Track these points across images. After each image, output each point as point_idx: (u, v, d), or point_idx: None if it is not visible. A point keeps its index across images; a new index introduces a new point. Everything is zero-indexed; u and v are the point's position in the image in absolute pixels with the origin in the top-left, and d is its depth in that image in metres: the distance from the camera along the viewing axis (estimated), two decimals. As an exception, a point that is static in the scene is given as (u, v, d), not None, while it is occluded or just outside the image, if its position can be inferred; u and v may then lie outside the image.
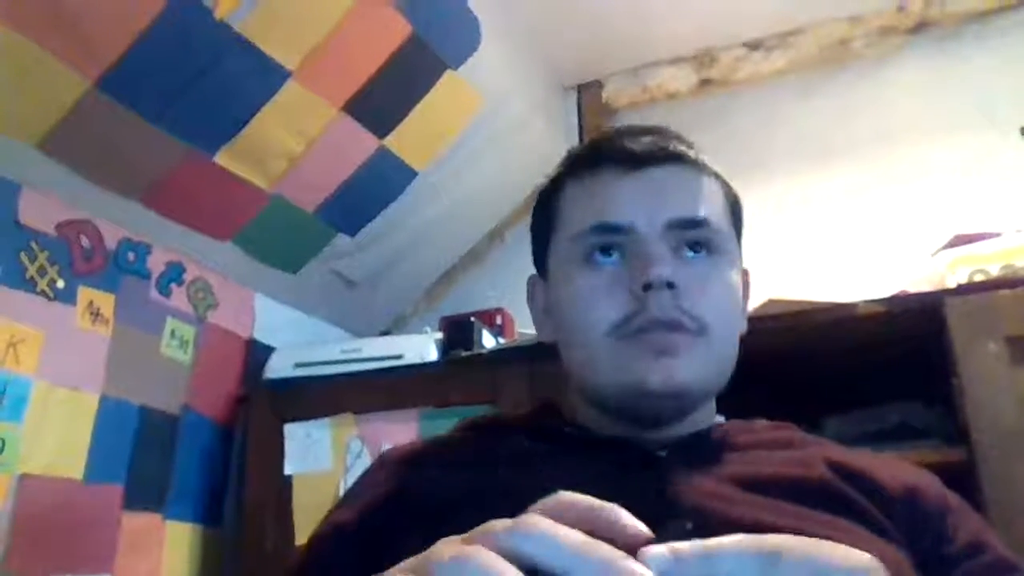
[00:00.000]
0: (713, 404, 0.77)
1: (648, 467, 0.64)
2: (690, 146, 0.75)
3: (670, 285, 0.66)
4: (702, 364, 0.68)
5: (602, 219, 0.70)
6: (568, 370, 0.75)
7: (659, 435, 0.70)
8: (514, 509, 0.60)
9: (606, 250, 0.70)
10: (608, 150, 0.74)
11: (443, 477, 0.67)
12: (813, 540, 0.36)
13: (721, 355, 0.70)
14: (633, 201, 0.70)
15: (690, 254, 0.70)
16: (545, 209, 0.78)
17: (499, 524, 0.37)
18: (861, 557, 0.36)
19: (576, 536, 0.35)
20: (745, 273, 0.79)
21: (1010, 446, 1.12)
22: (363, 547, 0.66)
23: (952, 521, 0.66)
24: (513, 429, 0.75)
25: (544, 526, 0.36)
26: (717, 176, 0.76)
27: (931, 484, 0.69)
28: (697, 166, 0.74)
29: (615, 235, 0.70)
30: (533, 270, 0.83)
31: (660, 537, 0.36)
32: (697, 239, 0.70)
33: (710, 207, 0.72)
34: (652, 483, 0.62)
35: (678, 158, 0.73)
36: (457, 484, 0.65)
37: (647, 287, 0.66)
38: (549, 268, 0.77)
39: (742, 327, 0.76)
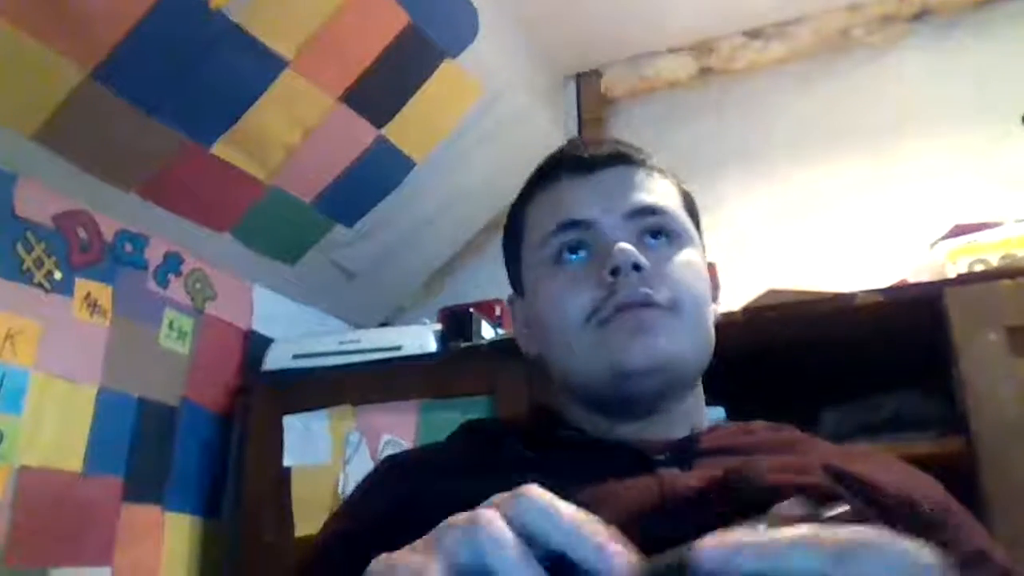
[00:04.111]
0: (701, 395, 0.77)
1: (648, 473, 0.64)
2: (639, 151, 0.80)
3: (636, 267, 0.69)
4: (678, 339, 0.69)
5: (564, 217, 0.74)
6: (554, 374, 0.77)
7: (652, 432, 0.70)
8: None
9: (573, 249, 0.74)
10: (563, 160, 0.79)
11: (441, 486, 0.66)
12: (878, 533, 0.35)
13: (696, 332, 0.72)
14: (591, 199, 0.74)
15: (651, 241, 0.73)
16: (513, 226, 0.82)
17: (502, 496, 0.40)
18: (926, 553, 0.35)
19: (575, 512, 0.37)
20: (712, 267, 0.81)
21: (1010, 436, 1.12)
22: (364, 559, 0.66)
23: (953, 529, 0.64)
24: (509, 435, 0.75)
25: (546, 499, 0.38)
26: (667, 176, 0.80)
27: (932, 490, 0.68)
28: (646, 167, 0.78)
29: (578, 231, 0.73)
30: None
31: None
32: (656, 226, 0.74)
33: (665, 198, 0.76)
34: (654, 490, 0.61)
35: (627, 159, 0.77)
36: (455, 493, 0.65)
37: (615, 271, 0.69)
38: (523, 281, 0.80)
39: (713, 311, 0.77)
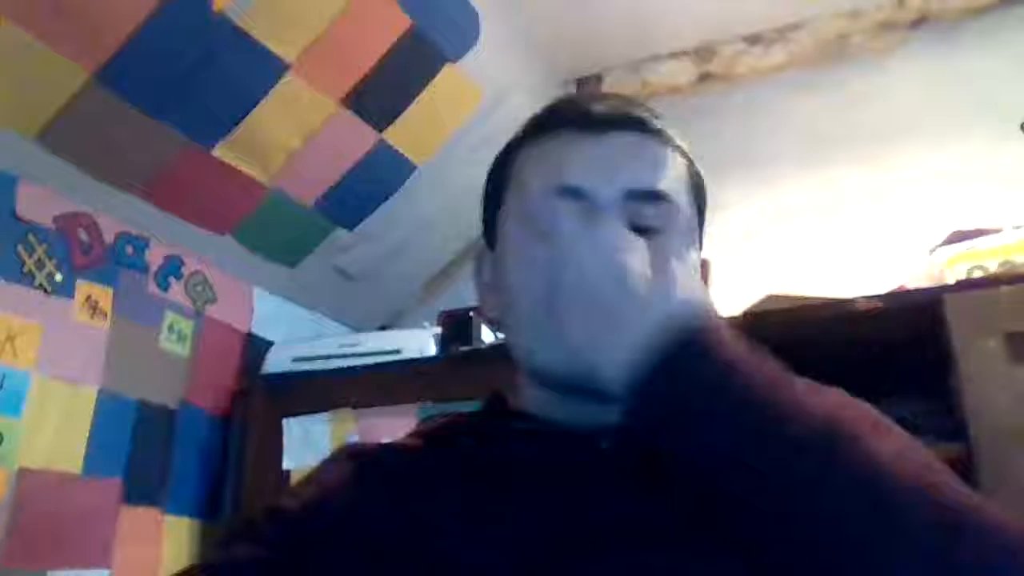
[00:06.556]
0: None
1: (596, 458, 0.62)
2: (655, 115, 0.71)
3: None
4: None
5: (561, 181, 0.66)
6: (511, 345, 0.71)
7: (604, 417, 0.63)
8: (455, 548, 0.57)
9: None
10: (567, 112, 0.70)
11: (386, 511, 0.62)
12: None
13: None
14: (592, 165, 0.66)
15: (646, 230, 0.65)
16: (498, 174, 0.75)
17: None
18: None
19: None
20: (705, 263, 0.75)
21: (1008, 442, 1.12)
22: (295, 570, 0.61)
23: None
24: (462, 437, 0.71)
25: None
26: (680, 151, 0.71)
27: (863, 411, 0.67)
28: (660, 136, 0.70)
29: (572, 199, 0.65)
30: None
31: None
32: (654, 220, 0.66)
33: (671, 181, 0.68)
34: (602, 475, 0.61)
35: (641, 124, 0.69)
36: (398, 522, 0.61)
37: None
38: (498, 237, 0.73)
39: None
